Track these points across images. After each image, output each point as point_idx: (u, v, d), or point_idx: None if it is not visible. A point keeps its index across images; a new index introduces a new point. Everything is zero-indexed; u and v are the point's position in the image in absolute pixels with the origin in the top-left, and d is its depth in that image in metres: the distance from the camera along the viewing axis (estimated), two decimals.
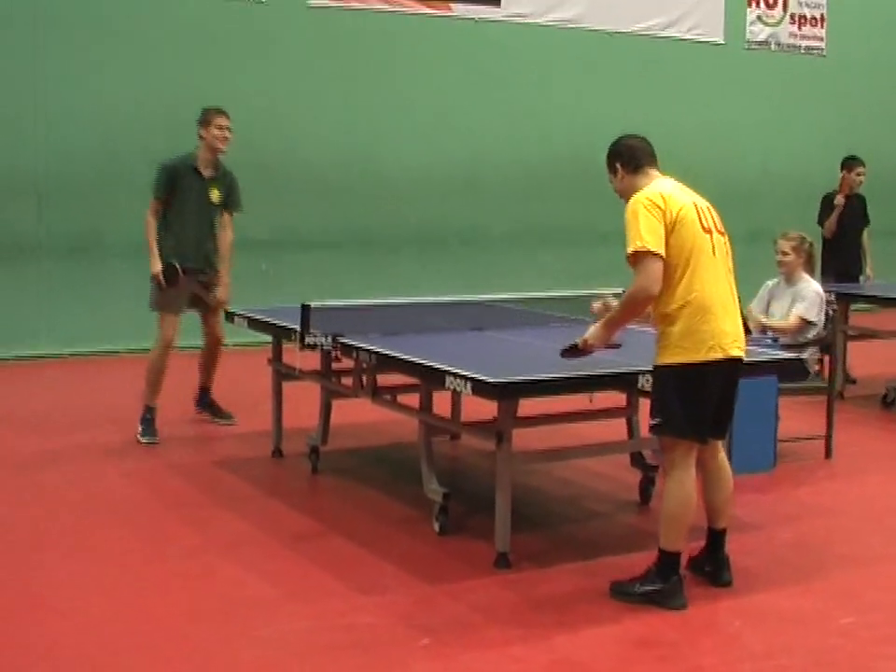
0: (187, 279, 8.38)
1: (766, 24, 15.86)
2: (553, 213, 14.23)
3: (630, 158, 5.51)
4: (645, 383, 5.72)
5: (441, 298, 8.22)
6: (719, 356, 5.22)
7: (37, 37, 11.43)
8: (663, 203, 5.22)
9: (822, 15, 16.23)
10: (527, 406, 6.31)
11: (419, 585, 5.54)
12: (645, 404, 6.95)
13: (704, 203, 5.40)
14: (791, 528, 6.51)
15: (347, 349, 6.65)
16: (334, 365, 7.54)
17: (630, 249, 5.20)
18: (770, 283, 8.49)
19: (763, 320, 8.20)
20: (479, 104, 13.69)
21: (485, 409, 5.90)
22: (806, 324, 8.07)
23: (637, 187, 5.40)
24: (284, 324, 7.24)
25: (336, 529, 6.36)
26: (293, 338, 6.91)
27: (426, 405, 6.45)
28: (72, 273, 11.75)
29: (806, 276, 8.32)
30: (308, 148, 12.52)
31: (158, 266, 8.23)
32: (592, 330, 5.53)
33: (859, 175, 10.93)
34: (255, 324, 7.77)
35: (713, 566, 5.62)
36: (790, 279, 8.29)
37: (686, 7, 15.07)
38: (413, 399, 6.63)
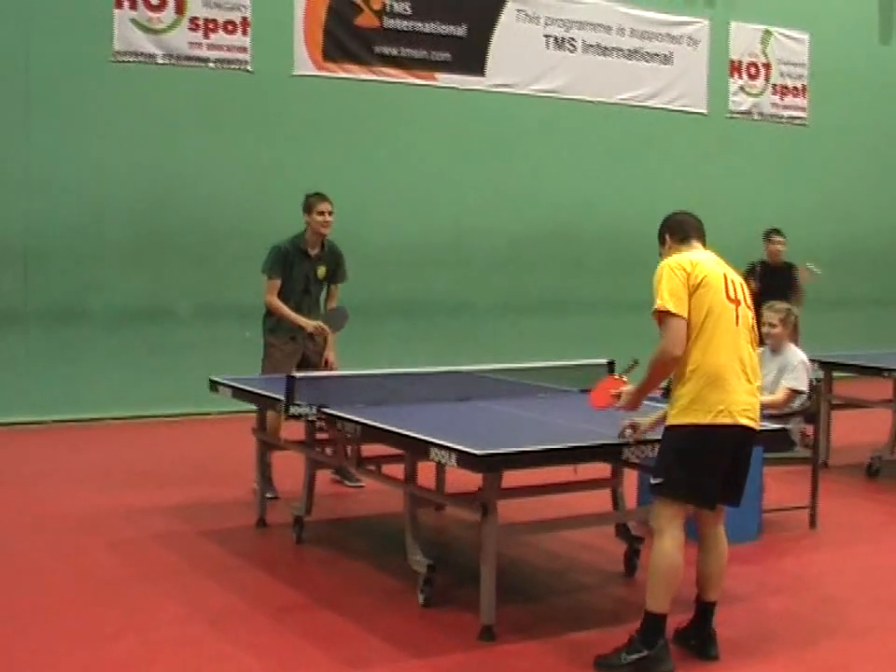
0: (295, 346, 8.82)
1: (749, 94, 16.06)
2: (538, 282, 14.31)
3: (678, 230, 5.73)
4: (630, 455, 5.75)
5: (427, 369, 8.26)
6: (727, 421, 5.30)
7: (27, 107, 11.53)
8: (689, 267, 5.41)
9: (804, 85, 16.43)
10: (512, 476, 6.32)
11: (404, 659, 5.51)
12: (630, 475, 7.01)
13: (736, 278, 5.59)
14: (778, 599, 6.51)
15: (332, 419, 6.66)
16: (319, 435, 7.56)
17: (653, 308, 5.40)
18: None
19: None
20: (464, 173, 13.79)
21: (470, 478, 5.89)
22: (794, 394, 8.09)
23: None
24: (269, 394, 7.24)
25: (321, 601, 6.33)
26: (278, 409, 6.93)
27: (410, 476, 6.46)
28: (56, 341, 11.75)
29: (792, 346, 8.36)
30: (291, 217, 12.52)
31: (310, 322, 8.73)
32: (625, 398, 5.75)
33: (776, 244, 11.71)
34: (239, 393, 7.75)
35: (699, 639, 5.61)
36: (775, 349, 8.33)
37: (670, 79, 15.26)
38: (397, 470, 6.63)
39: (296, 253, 8.78)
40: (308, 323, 8.71)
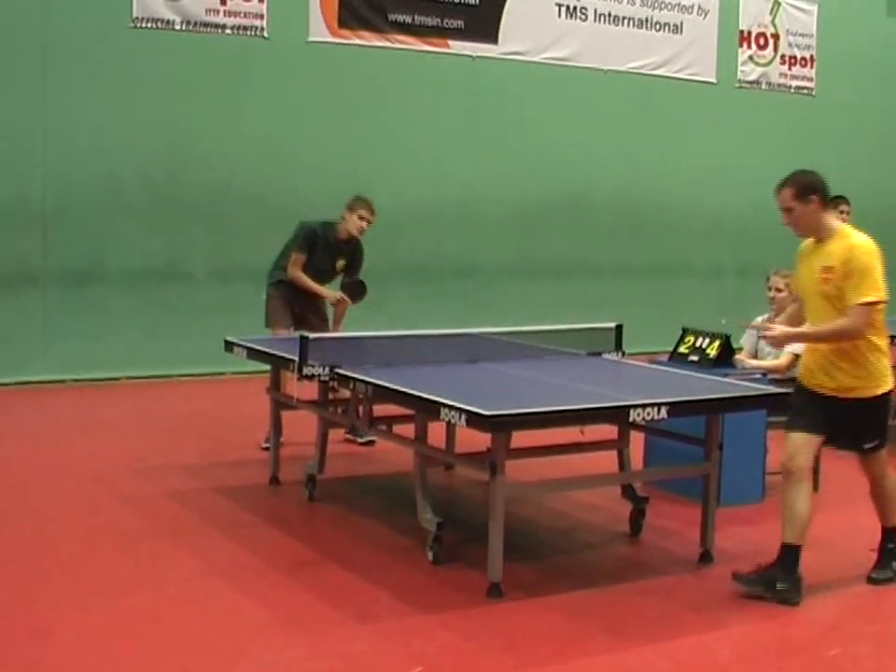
0: (298, 302, 9.02)
1: (757, 64, 15.96)
2: (547, 247, 14.28)
3: (826, 192, 5.91)
4: (636, 417, 5.73)
5: (437, 330, 8.26)
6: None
7: (45, 72, 11.47)
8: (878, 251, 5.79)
9: (812, 56, 16.32)
10: (521, 437, 6.32)
11: (413, 614, 5.54)
12: (636, 437, 7.02)
13: None
14: None
15: (344, 380, 6.67)
16: (331, 395, 7.57)
17: (870, 299, 5.69)
18: (759, 319, 8.50)
19: (754, 363, 8.15)
20: (475, 139, 13.73)
21: (480, 439, 5.90)
22: (798, 359, 8.07)
23: (823, 222, 5.88)
24: (283, 355, 7.25)
25: (332, 557, 6.35)
26: (292, 369, 6.94)
27: (421, 436, 6.46)
28: (74, 302, 11.76)
29: None
30: (306, 182, 12.54)
31: (333, 293, 9.03)
32: (783, 329, 6.06)
33: (842, 212, 10.99)
34: (254, 354, 7.76)
35: (788, 582, 5.81)
36: (780, 314, 8.29)
37: (679, 48, 15.16)
38: (408, 430, 6.64)
39: (325, 241, 8.93)
40: (330, 293, 8.92)
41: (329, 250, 8.98)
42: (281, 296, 8.99)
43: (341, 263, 9.08)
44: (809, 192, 5.79)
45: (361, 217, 8.89)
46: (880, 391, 5.86)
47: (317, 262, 8.94)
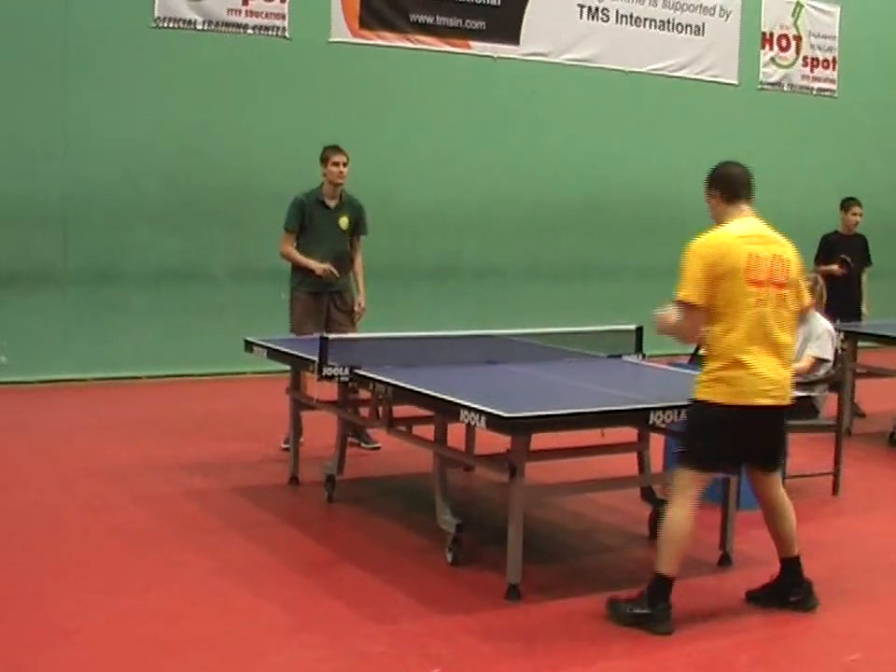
0: (318, 305, 8.92)
1: (780, 66, 15.91)
2: (566, 248, 14.26)
3: (727, 187, 5.60)
4: (656, 419, 5.72)
5: (457, 332, 8.25)
6: (744, 402, 5.33)
7: (66, 72, 11.51)
8: (715, 253, 5.37)
9: (834, 58, 16.27)
10: (540, 438, 6.30)
11: (431, 615, 5.52)
12: (656, 439, 7.00)
13: (771, 253, 5.48)
14: None
15: (364, 381, 6.66)
16: (351, 396, 7.57)
17: (679, 297, 5.40)
18: None
19: None
20: (496, 140, 13.72)
21: (499, 440, 5.88)
22: (819, 362, 8.05)
23: (725, 218, 5.56)
24: (302, 355, 7.25)
25: (350, 558, 6.35)
26: (311, 369, 6.93)
27: (440, 437, 6.44)
28: (94, 301, 11.79)
29: (817, 314, 8.30)
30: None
31: (320, 265, 8.81)
32: (669, 313, 5.46)
33: (854, 214, 11.12)
34: (274, 354, 7.76)
35: (799, 594, 5.69)
36: (802, 319, 8.25)
37: (701, 49, 15.12)
38: (428, 431, 6.63)
39: (314, 204, 8.92)
40: (317, 266, 8.80)
41: (324, 213, 8.94)
42: (304, 299, 8.92)
43: (344, 221, 9.00)
44: (710, 185, 5.64)
45: (335, 164, 8.85)
46: (696, 396, 5.47)
47: (318, 228, 8.91)
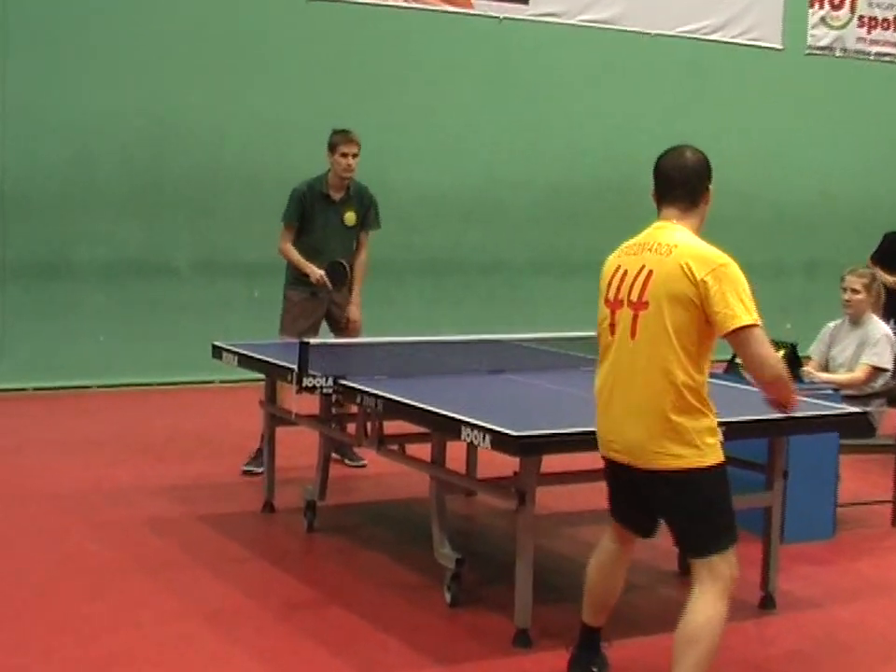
0: (316, 303, 8.96)
1: (831, 27, 15.91)
2: (582, 239, 14.21)
3: (656, 186, 5.44)
4: None
5: (457, 336, 8.26)
6: (603, 453, 5.15)
7: (5, 37, 11.52)
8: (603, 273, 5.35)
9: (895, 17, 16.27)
10: (552, 460, 6.32)
11: (427, 665, 5.54)
12: None
13: (640, 264, 5.14)
14: (851, 607, 6.48)
15: (350, 393, 6.66)
16: (335, 410, 7.58)
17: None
18: (832, 324, 8.49)
19: (825, 376, 8.12)
20: (501, 115, 13.74)
21: (505, 461, 5.89)
22: (876, 372, 8.05)
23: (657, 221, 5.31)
24: (279, 363, 7.26)
25: (334, 598, 6.36)
26: (289, 379, 6.93)
27: (438, 458, 6.44)
28: (37, 299, 11.79)
29: (875, 317, 8.32)
30: (305, 164, 12.45)
31: (316, 271, 8.77)
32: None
33: None
34: (246, 361, 7.76)
35: (601, 666, 5.47)
36: (856, 320, 8.28)
37: (739, 9, 15.13)
38: (423, 450, 6.64)
39: (315, 197, 8.90)
40: (314, 271, 8.78)
41: (328, 206, 8.94)
42: (299, 299, 8.96)
43: (350, 216, 9.00)
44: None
45: (343, 155, 8.78)
46: None
47: (321, 223, 8.93)
